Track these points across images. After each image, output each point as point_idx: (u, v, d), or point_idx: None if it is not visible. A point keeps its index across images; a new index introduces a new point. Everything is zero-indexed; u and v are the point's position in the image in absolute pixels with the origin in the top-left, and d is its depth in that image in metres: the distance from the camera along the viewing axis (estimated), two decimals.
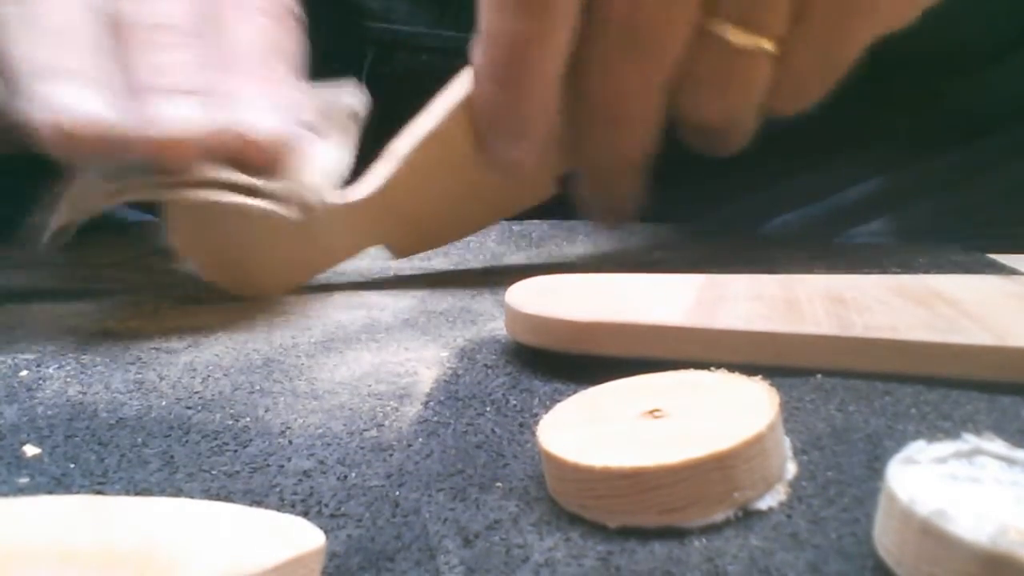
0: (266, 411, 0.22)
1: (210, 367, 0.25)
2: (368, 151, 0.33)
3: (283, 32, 0.30)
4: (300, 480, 0.19)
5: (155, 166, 0.27)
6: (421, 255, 0.38)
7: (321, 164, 0.30)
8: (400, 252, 0.35)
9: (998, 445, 0.15)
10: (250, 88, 0.28)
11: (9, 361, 0.25)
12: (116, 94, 0.25)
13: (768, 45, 0.31)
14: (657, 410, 0.17)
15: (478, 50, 0.31)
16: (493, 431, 0.21)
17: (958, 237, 0.44)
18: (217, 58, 0.28)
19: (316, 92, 0.31)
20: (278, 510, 0.16)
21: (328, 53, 0.32)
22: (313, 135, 0.30)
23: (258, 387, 0.24)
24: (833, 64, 0.32)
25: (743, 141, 0.34)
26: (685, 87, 0.32)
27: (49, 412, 0.22)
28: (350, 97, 0.33)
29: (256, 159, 0.28)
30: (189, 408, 0.22)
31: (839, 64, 0.32)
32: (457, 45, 0.44)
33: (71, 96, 0.25)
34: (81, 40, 0.26)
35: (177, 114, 0.26)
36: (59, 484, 0.18)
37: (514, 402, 0.22)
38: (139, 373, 0.25)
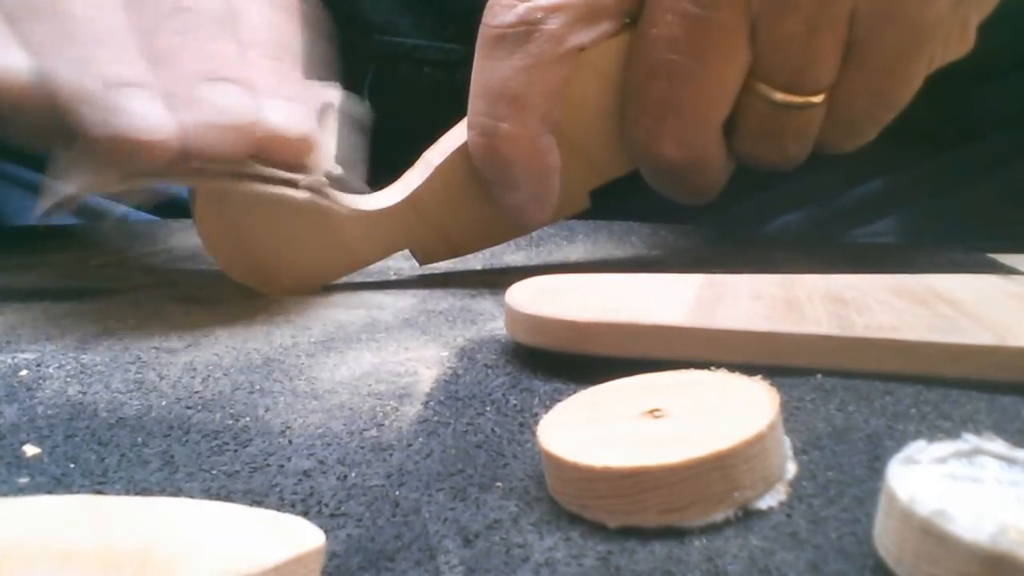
0: (266, 411, 0.22)
1: (210, 367, 0.25)
2: (370, 160, 0.33)
3: (292, 27, 0.30)
4: (300, 480, 0.19)
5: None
6: None
7: (331, 159, 0.30)
8: (425, 259, 0.35)
9: (998, 445, 0.15)
10: (269, 81, 0.28)
11: (9, 361, 0.25)
12: (170, 95, 0.26)
13: (817, 99, 0.30)
14: (657, 410, 0.17)
15: (470, 96, 0.31)
16: (493, 431, 0.21)
17: (958, 237, 0.44)
18: (237, 49, 0.28)
19: (314, 88, 0.31)
20: (278, 510, 0.16)
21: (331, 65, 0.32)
22: (323, 130, 0.30)
23: (258, 387, 0.24)
24: (887, 105, 0.31)
25: (795, 165, 0.33)
26: (736, 134, 0.32)
27: (49, 412, 0.22)
28: (333, 94, 0.32)
29: (283, 154, 0.28)
30: (189, 408, 0.22)
31: (894, 104, 0.31)
32: (459, 57, 0.44)
33: (144, 109, 0.25)
34: (127, 37, 0.26)
35: (225, 104, 0.26)
36: (59, 484, 0.18)
37: (514, 402, 0.22)
38: (139, 373, 0.25)
